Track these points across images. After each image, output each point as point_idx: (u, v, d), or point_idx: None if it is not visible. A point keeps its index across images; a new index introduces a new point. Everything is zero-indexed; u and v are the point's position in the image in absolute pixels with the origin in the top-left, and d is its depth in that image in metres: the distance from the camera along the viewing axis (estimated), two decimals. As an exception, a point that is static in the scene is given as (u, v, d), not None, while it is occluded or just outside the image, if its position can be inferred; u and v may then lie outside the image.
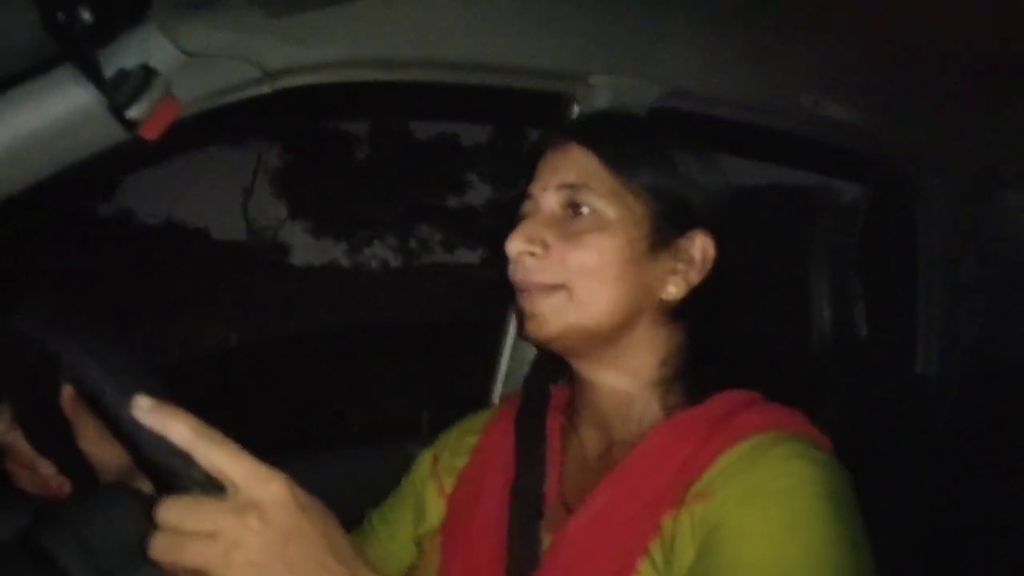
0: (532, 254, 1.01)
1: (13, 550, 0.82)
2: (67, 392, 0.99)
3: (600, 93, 1.50)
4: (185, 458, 0.66)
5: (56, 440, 1.00)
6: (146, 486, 0.93)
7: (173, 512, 0.66)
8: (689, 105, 1.64)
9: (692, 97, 1.63)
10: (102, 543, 0.77)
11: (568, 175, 1.03)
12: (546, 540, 1.00)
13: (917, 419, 1.51)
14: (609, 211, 1.01)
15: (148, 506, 0.81)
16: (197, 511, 0.65)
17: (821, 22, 1.46)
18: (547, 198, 1.04)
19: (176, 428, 0.66)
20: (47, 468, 1.00)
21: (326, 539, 0.69)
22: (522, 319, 1.04)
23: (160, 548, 0.66)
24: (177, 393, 0.72)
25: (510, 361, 1.71)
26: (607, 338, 1.02)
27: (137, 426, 0.67)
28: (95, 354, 0.73)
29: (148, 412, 0.67)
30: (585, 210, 1.01)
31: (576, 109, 1.54)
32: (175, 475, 0.67)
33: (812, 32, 1.52)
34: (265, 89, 1.16)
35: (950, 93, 1.82)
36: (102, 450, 1.00)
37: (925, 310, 2.11)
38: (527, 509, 1.03)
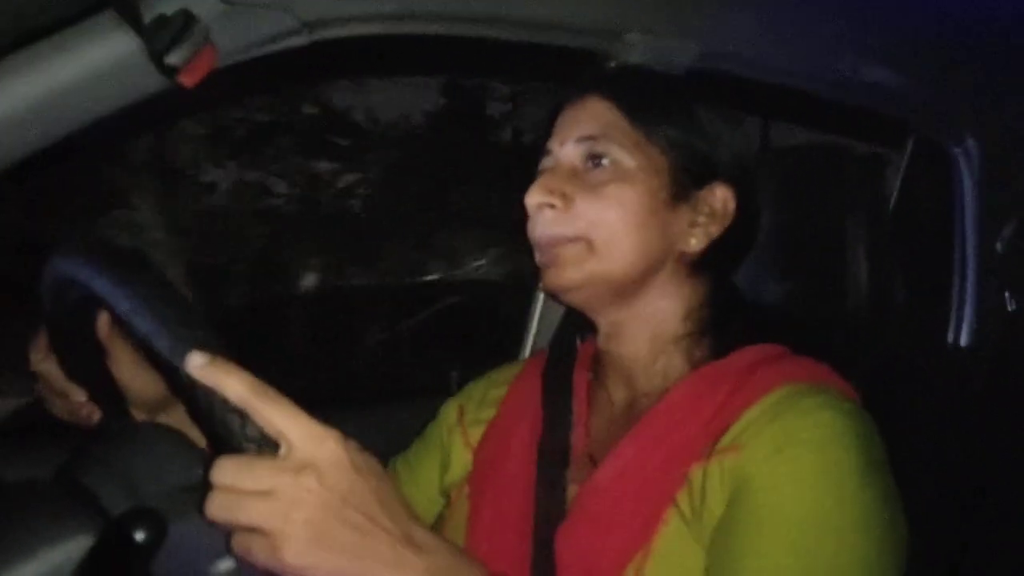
0: (552, 206, 1.01)
1: (53, 488, 0.82)
2: (103, 319, 0.99)
3: (636, 51, 1.49)
4: (241, 415, 0.66)
5: (88, 368, 1.00)
6: (176, 420, 0.94)
7: (229, 471, 0.66)
8: (726, 66, 1.62)
9: (729, 58, 1.61)
10: (142, 481, 0.77)
11: (588, 127, 1.03)
12: (573, 492, 1.00)
13: (948, 388, 1.50)
14: (629, 161, 1.00)
15: (187, 447, 0.82)
16: (254, 470, 0.66)
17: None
18: (567, 151, 1.04)
19: (231, 385, 0.66)
20: (78, 395, 1.01)
21: (380, 498, 0.69)
22: (541, 271, 1.04)
23: (217, 507, 0.66)
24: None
25: (540, 321, 1.71)
26: (628, 289, 1.02)
27: (193, 381, 0.67)
28: (148, 303, 0.72)
29: (203, 368, 0.67)
30: (605, 161, 1.01)
31: (611, 66, 1.53)
32: (230, 431, 0.67)
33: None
34: (303, 40, 1.16)
35: (991, 58, 1.78)
36: (135, 379, 1.01)
37: (960, 279, 2.09)
38: (553, 461, 1.04)
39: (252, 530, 0.66)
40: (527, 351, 1.72)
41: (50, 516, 0.75)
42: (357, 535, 0.67)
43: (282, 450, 0.67)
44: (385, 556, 0.68)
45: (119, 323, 0.74)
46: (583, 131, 1.03)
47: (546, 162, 1.06)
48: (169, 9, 1.01)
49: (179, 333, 0.70)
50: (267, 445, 0.67)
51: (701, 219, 1.04)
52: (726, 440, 0.91)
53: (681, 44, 1.52)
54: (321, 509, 0.65)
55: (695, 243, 1.03)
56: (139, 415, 1.02)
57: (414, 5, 1.24)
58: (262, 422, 0.67)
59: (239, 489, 0.65)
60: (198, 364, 0.67)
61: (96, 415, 1.02)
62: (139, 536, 0.70)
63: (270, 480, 0.65)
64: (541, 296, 1.70)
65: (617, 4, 1.41)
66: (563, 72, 1.43)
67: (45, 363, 1.00)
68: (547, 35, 1.41)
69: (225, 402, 0.66)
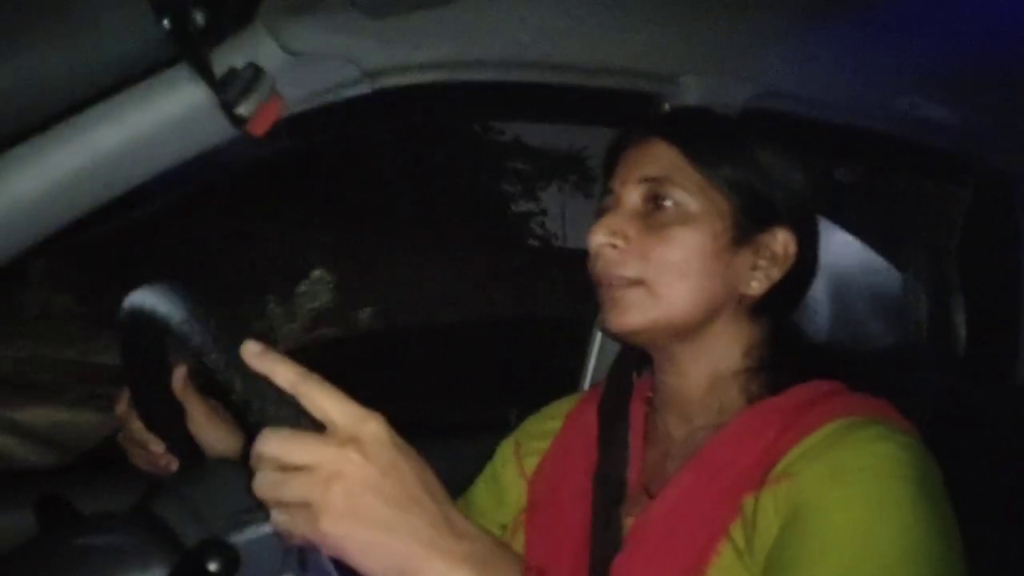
0: (614, 246, 1.02)
1: (129, 520, 0.87)
2: (178, 376, 1.06)
3: (691, 93, 1.51)
4: (276, 404, 0.69)
5: (166, 421, 1.08)
6: None
7: (274, 444, 0.67)
8: (782, 105, 1.63)
9: (785, 97, 1.62)
10: (211, 509, 0.81)
11: (650, 169, 1.04)
12: (628, 524, 1.01)
13: (1014, 427, 1.46)
14: (692, 204, 1.01)
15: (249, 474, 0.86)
16: (299, 443, 0.67)
17: (918, 20, 1.44)
18: (628, 192, 1.05)
19: (281, 370, 0.69)
20: (157, 446, 1.09)
21: (420, 477, 0.70)
22: (602, 313, 1.05)
23: (263, 485, 0.67)
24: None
25: (598, 358, 1.72)
26: (688, 332, 1.03)
27: (234, 373, 0.70)
28: (200, 315, 0.77)
29: (256, 355, 0.70)
30: (668, 203, 1.02)
31: (667, 109, 1.54)
32: (265, 420, 0.69)
33: (909, 31, 1.50)
34: (365, 89, 1.20)
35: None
36: (208, 432, 1.09)
37: (1027, 315, 2.04)
38: (610, 493, 1.05)
39: (297, 509, 0.67)
40: (585, 387, 1.73)
41: (128, 548, 0.79)
42: (395, 511, 0.67)
43: (327, 432, 0.68)
44: (422, 536, 0.67)
45: (173, 332, 0.79)
46: (645, 172, 1.04)
47: (608, 201, 1.07)
48: (238, 62, 1.06)
49: (225, 332, 0.74)
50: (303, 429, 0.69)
51: (762, 263, 1.04)
52: (779, 469, 0.91)
53: (736, 84, 1.54)
54: (361, 482, 0.66)
55: (756, 286, 1.04)
56: None
57: (471, 52, 1.28)
58: (308, 404, 0.69)
59: (283, 462, 0.67)
60: (253, 351, 0.70)
61: (174, 464, 1.09)
62: (213, 567, 0.73)
63: (313, 454, 0.66)
64: (599, 333, 1.70)
65: (671, 47, 1.43)
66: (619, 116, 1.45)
67: (127, 416, 1.09)
68: (602, 79, 1.44)
69: (263, 391, 0.69)
